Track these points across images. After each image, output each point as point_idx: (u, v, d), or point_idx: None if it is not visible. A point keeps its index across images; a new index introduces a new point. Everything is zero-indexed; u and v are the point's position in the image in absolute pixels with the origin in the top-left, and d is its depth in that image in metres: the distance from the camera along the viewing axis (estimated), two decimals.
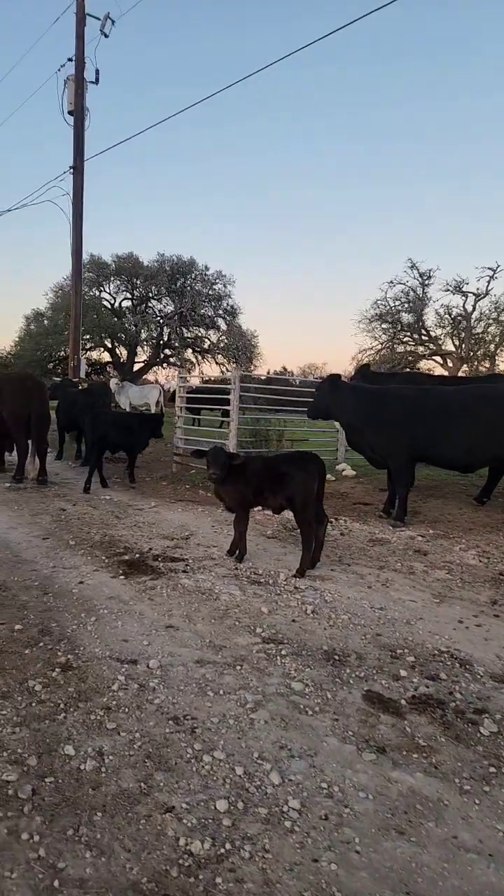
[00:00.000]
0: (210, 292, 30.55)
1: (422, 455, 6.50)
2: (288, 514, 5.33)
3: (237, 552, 5.18)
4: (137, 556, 5.17)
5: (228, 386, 9.11)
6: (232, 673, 3.12)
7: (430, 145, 67.08)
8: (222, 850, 1.94)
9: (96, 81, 14.04)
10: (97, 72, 14.06)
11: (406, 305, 28.24)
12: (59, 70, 14.01)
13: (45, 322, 29.86)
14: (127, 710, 2.72)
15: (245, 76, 13.49)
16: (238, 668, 3.18)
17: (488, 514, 6.98)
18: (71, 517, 6.61)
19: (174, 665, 3.18)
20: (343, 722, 2.72)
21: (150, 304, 31.29)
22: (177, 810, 2.11)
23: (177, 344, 30.68)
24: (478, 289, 27.34)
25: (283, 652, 3.38)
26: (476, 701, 2.98)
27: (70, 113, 13.80)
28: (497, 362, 27.66)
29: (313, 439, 10.59)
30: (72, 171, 13.76)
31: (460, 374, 26.38)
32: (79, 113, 13.74)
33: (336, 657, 3.36)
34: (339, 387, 6.70)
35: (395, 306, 28.49)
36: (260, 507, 5.38)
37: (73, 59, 13.75)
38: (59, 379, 14.77)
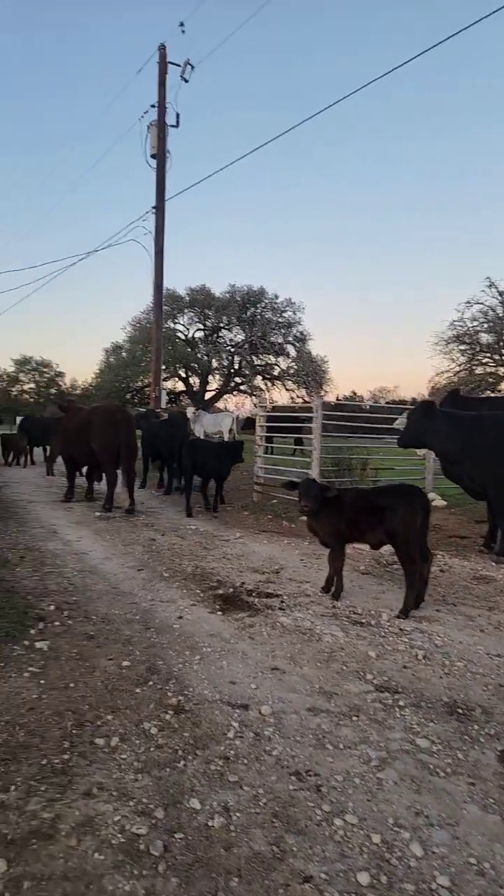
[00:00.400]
0: (280, 320, 30.91)
1: None
2: (383, 549, 5.13)
3: (333, 589, 5.02)
4: (231, 590, 5.11)
5: (309, 413, 9.01)
6: (349, 724, 2.95)
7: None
8: None
9: (177, 125, 14.74)
10: (178, 116, 14.77)
11: (485, 325, 27.35)
12: (142, 117, 14.83)
13: (124, 354, 31.16)
14: (246, 761, 2.61)
15: (318, 111, 13.71)
16: (354, 718, 3.01)
17: None
18: (161, 548, 6.68)
19: (286, 712, 3.05)
20: (481, 787, 2.49)
21: (220, 334, 32.01)
22: (315, 881, 1.96)
23: (247, 371, 31.09)
24: None
25: (401, 703, 3.18)
26: None
27: (153, 156, 14.50)
28: None
29: (398, 467, 10.28)
30: (154, 210, 14.37)
31: None
32: (161, 156, 14.40)
33: (459, 710, 3.13)
34: (434, 414, 6.44)
35: (472, 327, 27.67)
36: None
37: (156, 105, 14.48)
38: (143, 409, 15.24)
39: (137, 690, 3.22)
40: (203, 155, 63.19)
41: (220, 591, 5.07)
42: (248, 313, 31.02)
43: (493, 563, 5.99)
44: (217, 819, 2.22)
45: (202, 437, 18.38)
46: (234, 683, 3.36)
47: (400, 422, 6.90)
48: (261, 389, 31.88)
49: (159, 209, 14.28)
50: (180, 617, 4.42)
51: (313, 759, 2.64)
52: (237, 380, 32.30)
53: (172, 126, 14.57)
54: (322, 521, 4.97)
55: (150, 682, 3.32)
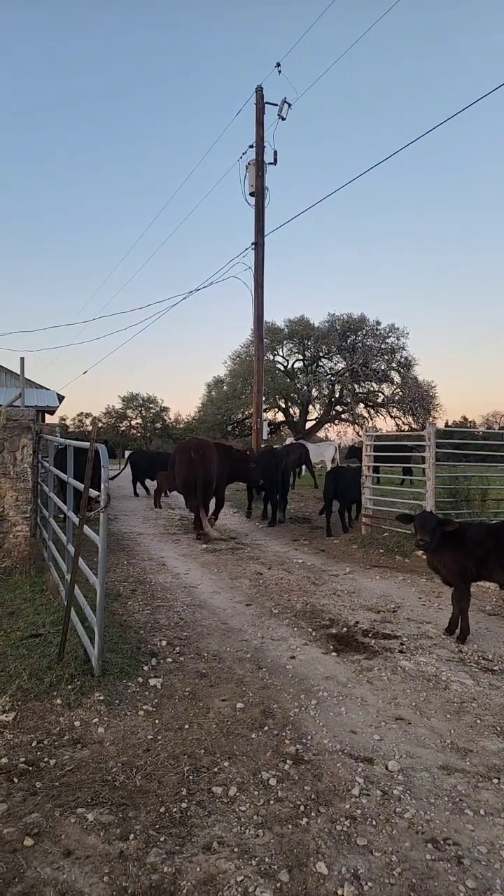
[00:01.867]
0: (382, 346, 30.34)
1: None
2: None
3: (458, 631, 4.64)
4: (345, 629, 4.89)
5: (420, 442, 8.62)
6: (490, 788, 2.65)
7: None
8: None
9: (275, 162, 15.11)
10: (275, 153, 15.13)
11: None
12: (241, 157, 15.34)
13: (225, 388, 32.00)
14: (375, 822, 2.40)
15: (413, 139, 13.54)
16: (495, 781, 2.70)
17: None
18: (268, 582, 6.59)
19: (416, 770, 2.80)
20: None
21: (320, 363, 31.98)
22: None
23: (349, 400, 30.70)
24: None
25: None
26: None
27: (251, 194, 14.95)
28: None
29: None
30: (254, 246, 14.78)
31: None
32: (259, 193, 14.81)
33: None
34: None
35: None
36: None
37: (254, 144, 14.98)
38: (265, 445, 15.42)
39: (253, 736, 3.11)
40: (300, 189, 64.77)
41: (333, 630, 4.86)
42: (349, 341, 30.79)
43: None
44: (347, 888, 2.04)
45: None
46: (355, 733, 3.15)
47: None
48: (363, 417, 31.30)
49: (258, 245, 14.66)
50: (292, 657, 4.27)
51: (451, 826, 2.38)
52: (338, 408, 31.97)
53: (270, 164, 14.96)
54: (444, 558, 4.66)
55: (266, 728, 3.20)
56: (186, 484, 9.45)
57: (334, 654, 4.34)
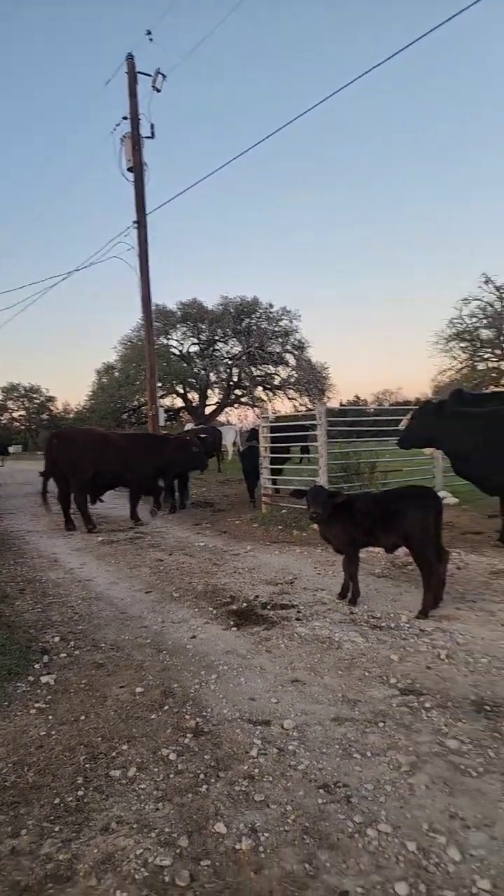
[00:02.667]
0: (276, 329, 30.90)
1: None
2: (398, 551, 5.02)
3: (349, 595, 4.92)
4: (245, 604, 5.02)
5: (313, 421, 8.93)
6: (376, 731, 2.85)
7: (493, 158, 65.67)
8: None
9: (152, 136, 14.56)
10: (152, 126, 14.53)
11: (484, 321, 27.36)
12: (114, 129, 14.54)
13: (116, 374, 31.17)
14: (271, 778, 2.51)
15: (301, 113, 13.81)
16: (381, 725, 2.91)
17: None
18: (169, 567, 6.59)
19: (310, 724, 2.95)
20: None
21: (216, 347, 32.03)
22: (351, 895, 1.87)
23: (247, 383, 31.07)
24: None
25: (427, 704, 3.08)
26: None
27: (129, 170, 14.35)
28: None
29: (407, 468, 10.17)
30: (135, 225, 14.33)
31: None
32: (138, 169, 14.27)
33: (487, 708, 3.02)
34: (445, 413, 6.36)
35: (472, 323, 27.69)
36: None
37: (128, 117, 14.37)
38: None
39: (153, 716, 3.12)
40: (186, 164, 63.72)
41: (234, 607, 4.97)
42: (244, 324, 31.04)
43: None
44: (245, 841, 2.12)
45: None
46: (254, 700, 3.26)
47: (404, 423, 6.83)
48: (262, 400, 31.83)
49: (140, 223, 14.22)
50: (193, 637, 4.32)
51: (341, 770, 2.55)
52: (237, 392, 32.26)
53: (147, 137, 14.38)
54: (334, 528, 4.89)
55: (166, 707, 3.22)
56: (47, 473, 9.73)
57: (234, 628, 4.44)
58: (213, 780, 2.52)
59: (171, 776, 2.57)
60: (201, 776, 2.55)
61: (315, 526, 7.34)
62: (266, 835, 2.16)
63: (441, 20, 7.65)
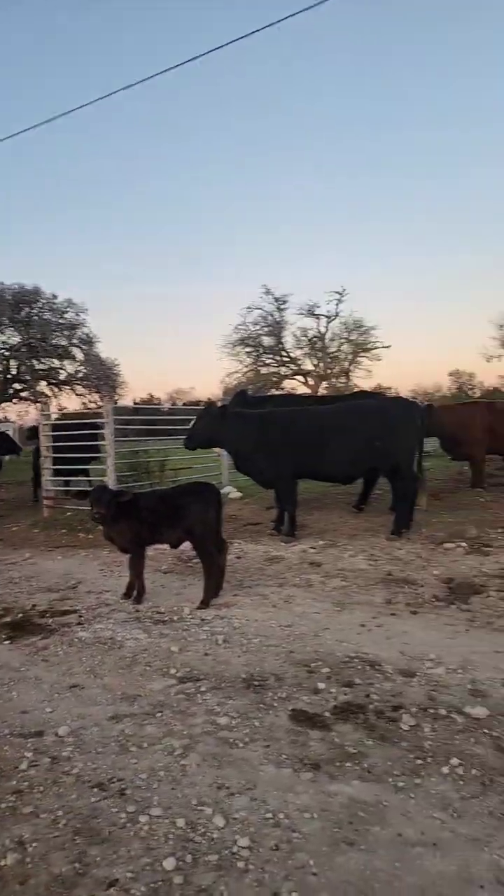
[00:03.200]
0: (61, 321, 29.30)
1: (307, 472, 6.77)
2: (183, 546, 5.22)
3: (135, 593, 4.96)
4: (20, 615, 4.75)
5: (102, 420, 8.77)
6: (153, 722, 2.95)
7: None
8: None
9: None
10: None
11: (265, 329, 29.54)
12: None
13: None
14: (42, 787, 2.45)
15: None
16: (158, 715, 3.02)
17: (367, 520, 7.40)
18: None
19: (86, 727, 2.93)
20: (275, 747, 2.68)
21: None
22: (121, 882, 1.92)
23: (27, 377, 28.94)
24: (328, 311, 29.41)
25: (203, 688, 3.28)
26: (391, 699, 3.09)
27: None
28: (351, 378, 29.90)
29: (196, 466, 10.55)
30: None
31: (321, 390, 28.00)
32: None
33: (255, 683, 3.32)
34: (227, 415, 6.78)
35: (255, 330, 29.68)
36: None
37: None
38: None
39: None
40: None
41: (8, 619, 4.67)
42: (23, 314, 28.81)
43: (283, 543, 6.50)
44: (10, 857, 2.04)
45: None
46: (26, 712, 3.13)
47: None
48: (47, 396, 29.95)
49: None
50: None
51: (116, 766, 2.58)
52: (16, 386, 29.87)
53: None
54: (119, 527, 4.89)
55: None
56: None
57: (7, 642, 4.19)
58: None
59: None
60: None
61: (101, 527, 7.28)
62: (35, 845, 2.11)
63: None
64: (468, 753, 2.59)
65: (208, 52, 7.53)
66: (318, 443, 6.56)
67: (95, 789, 2.42)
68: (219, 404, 7.63)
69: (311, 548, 6.29)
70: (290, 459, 6.59)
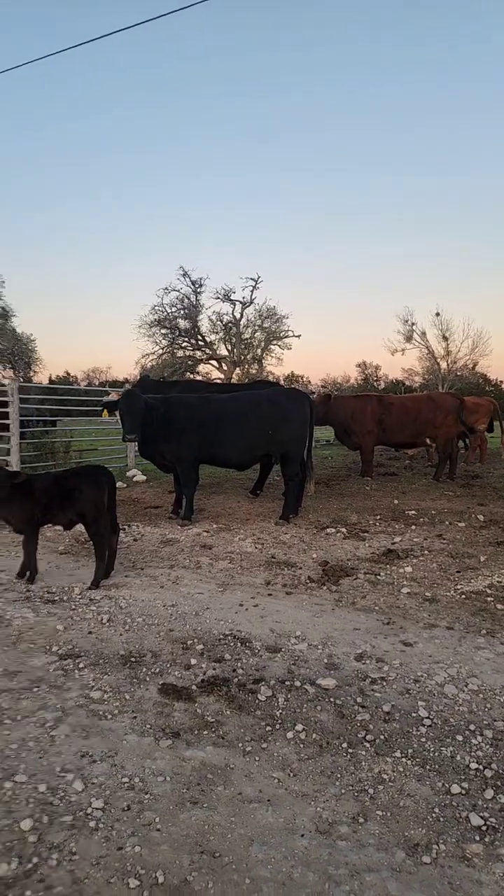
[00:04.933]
0: None
1: (206, 457, 7.03)
2: (80, 528, 5.35)
3: (28, 574, 5.05)
4: None
5: (6, 398, 8.56)
6: (29, 696, 3.13)
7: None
8: (30, 865, 2.03)
9: None
10: None
11: (182, 312, 29.23)
12: None
13: None
14: None
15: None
16: (35, 690, 3.20)
17: (261, 505, 7.81)
18: None
19: None
20: (141, 718, 2.96)
21: None
22: None
23: None
24: (244, 297, 29.56)
25: (81, 665, 3.49)
26: (255, 672, 3.45)
27: None
28: (264, 365, 30.35)
29: (102, 447, 10.54)
30: None
31: (233, 376, 28.25)
32: None
33: (133, 659, 3.58)
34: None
35: (171, 312, 29.31)
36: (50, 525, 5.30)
37: None
38: None
39: None
40: None
41: None
42: None
43: (179, 527, 6.76)
44: None
45: None
46: None
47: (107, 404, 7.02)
48: None
49: None
50: None
51: None
52: None
53: None
54: (12, 508, 4.94)
55: None
56: None
57: None
58: None
59: None
60: None
61: None
62: None
63: None
64: (313, 720, 2.98)
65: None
66: (216, 429, 6.83)
67: None
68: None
69: (206, 531, 6.60)
70: (191, 444, 6.82)
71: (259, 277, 28.78)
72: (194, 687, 3.27)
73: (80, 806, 2.34)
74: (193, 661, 3.55)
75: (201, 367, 29.59)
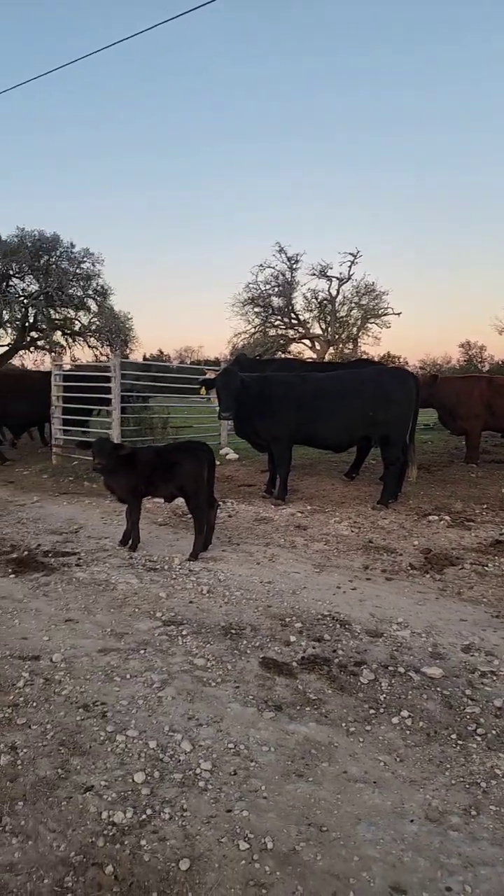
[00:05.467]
0: (78, 271, 29.02)
1: (303, 437, 6.96)
2: (178, 501, 5.50)
3: (130, 542, 5.26)
4: (26, 553, 5.07)
5: (109, 374, 8.93)
6: (136, 657, 3.26)
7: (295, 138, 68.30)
8: (144, 816, 2.11)
9: None
10: None
11: (276, 289, 29.08)
12: None
13: None
14: (35, 703, 2.77)
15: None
16: (142, 652, 3.33)
17: (357, 489, 7.65)
18: None
19: (78, 657, 3.25)
20: (243, 688, 2.99)
21: (11, 283, 29.13)
22: (96, 788, 2.24)
23: (44, 326, 28.96)
24: (341, 273, 28.87)
25: (184, 632, 3.58)
26: (355, 655, 3.38)
27: None
28: (359, 344, 29.58)
29: (197, 425, 10.77)
30: None
31: (327, 356, 27.81)
32: None
33: (233, 631, 3.63)
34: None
35: (265, 290, 29.23)
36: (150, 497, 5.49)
37: None
38: None
39: None
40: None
41: (14, 556, 5.00)
42: (42, 262, 28.58)
43: (273, 506, 6.76)
44: (3, 758, 2.37)
45: None
46: (27, 639, 3.45)
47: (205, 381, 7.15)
48: (61, 346, 30.00)
49: None
50: None
51: (101, 692, 2.90)
52: (33, 335, 29.91)
53: None
54: (118, 479, 5.15)
55: None
56: None
57: (13, 575, 4.51)
58: None
59: None
60: None
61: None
62: (25, 750, 2.43)
63: None
64: (419, 708, 2.88)
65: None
66: (314, 409, 6.73)
67: (81, 710, 2.74)
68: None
69: (300, 512, 6.56)
70: (287, 424, 6.77)
71: (358, 252, 28.01)
72: (295, 664, 3.26)
73: (188, 765, 2.39)
74: (293, 639, 3.54)
75: (293, 347, 29.39)
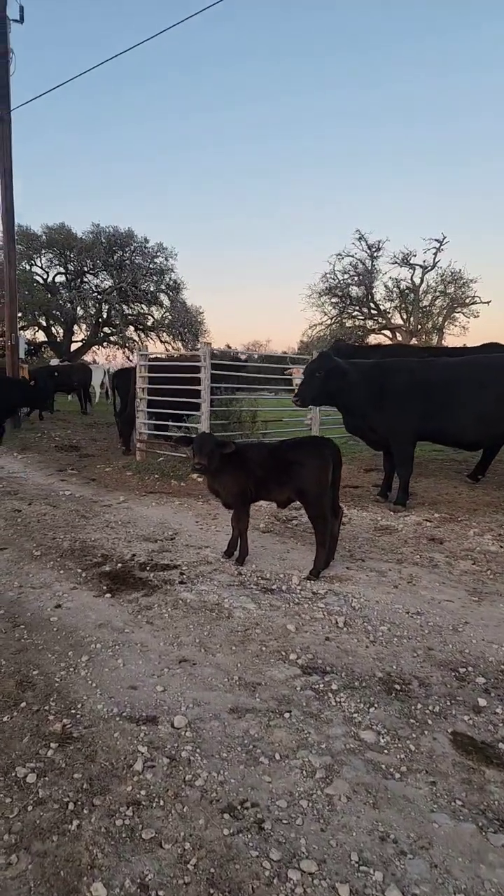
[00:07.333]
0: (151, 266, 28.91)
1: (428, 432, 5.97)
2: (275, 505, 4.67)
3: (237, 553, 4.49)
4: (119, 565, 4.40)
5: (196, 363, 8.23)
6: (282, 724, 2.45)
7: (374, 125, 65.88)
8: None
9: (21, 20, 12.37)
10: (21, 8, 12.35)
11: (355, 279, 27.83)
12: None
13: None
14: (162, 802, 2.00)
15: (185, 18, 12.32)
16: (286, 715, 2.51)
17: (487, 493, 6.56)
18: (29, 519, 5.70)
19: (205, 719, 2.47)
20: (443, 786, 2.11)
21: (85, 279, 29.37)
22: None
23: (117, 321, 28.99)
24: (425, 261, 27.30)
25: (334, 686, 2.75)
26: None
27: None
28: (444, 335, 27.86)
29: (286, 419, 9.94)
30: None
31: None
32: (2, 56, 12.11)
33: (396, 687, 2.76)
34: (346, 368, 6.00)
35: (343, 280, 28.03)
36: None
37: None
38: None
39: (5, 719, 2.46)
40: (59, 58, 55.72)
41: (107, 568, 4.33)
42: (116, 257, 28.60)
43: (392, 513, 5.82)
44: None
45: None
46: (135, 688, 2.71)
47: (296, 375, 6.40)
48: (134, 341, 30.00)
49: (4, 120, 12.14)
50: (58, 606, 3.64)
51: (247, 783, 2.10)
52: (106, 330, 30.06)
53: (15, 21, 12.23)
54: (224, 480, 4.38)
55: (24, 704, 2.57)
56: None
57: (108, 595, 3.82)
58: (85, 812, 1.95)
59: (30, 809, 1.96)
60: (70, 806, 1.97)
61: (197, 476, 6.84)
62: (161, 893, 1.65)
63: None
64: None
65: None
66: (444, 399, 5.72)
67: (226, 815, 1.95)
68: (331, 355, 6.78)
69: (427, 521, 5.57)
70: (410, 417, 5.79)
71: (444, 238, 26.36)
72: (502, 745, 2.35)
73: None
74: (482, 703, 2.63)
75: (372, 338, 28.05)
